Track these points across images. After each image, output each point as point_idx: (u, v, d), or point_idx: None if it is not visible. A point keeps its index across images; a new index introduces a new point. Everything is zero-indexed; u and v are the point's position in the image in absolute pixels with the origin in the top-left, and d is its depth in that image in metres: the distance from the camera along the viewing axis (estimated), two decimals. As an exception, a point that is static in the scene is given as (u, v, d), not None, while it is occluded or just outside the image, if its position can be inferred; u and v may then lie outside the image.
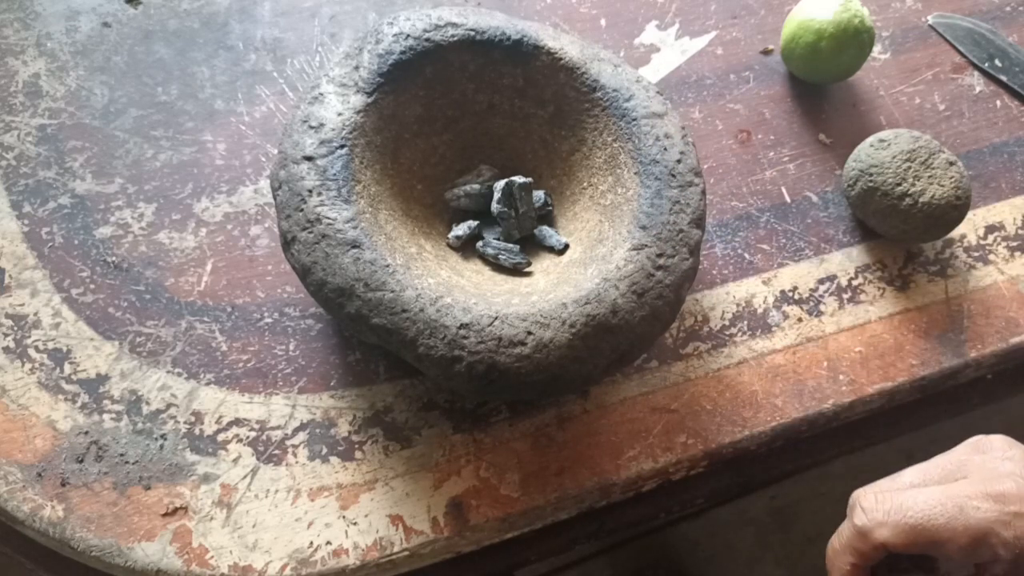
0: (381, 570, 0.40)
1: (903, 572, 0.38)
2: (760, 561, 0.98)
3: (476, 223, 0.45)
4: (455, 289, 0.40)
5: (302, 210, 0.38)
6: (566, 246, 0.45)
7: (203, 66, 0.53)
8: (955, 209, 0.47)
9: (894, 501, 0.34)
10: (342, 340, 0.45)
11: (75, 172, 0.48)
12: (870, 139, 0.50)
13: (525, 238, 0.46)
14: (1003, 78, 0.58)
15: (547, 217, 0.47)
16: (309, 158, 0.40)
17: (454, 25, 0.44)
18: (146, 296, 0.45)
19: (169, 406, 0.42)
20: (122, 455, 0.41)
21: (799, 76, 0.56)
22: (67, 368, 0.43)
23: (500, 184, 0.44)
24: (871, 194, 0.48)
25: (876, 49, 0.59)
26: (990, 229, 0.53)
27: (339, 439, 0.43)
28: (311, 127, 0.40)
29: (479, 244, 0.45)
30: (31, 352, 0.43)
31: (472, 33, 0.44)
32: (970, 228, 0.53)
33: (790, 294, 0.49)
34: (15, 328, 0.44)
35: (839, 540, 0.36)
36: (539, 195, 0.46)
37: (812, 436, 0.47)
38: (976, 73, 0.59)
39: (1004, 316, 0.50)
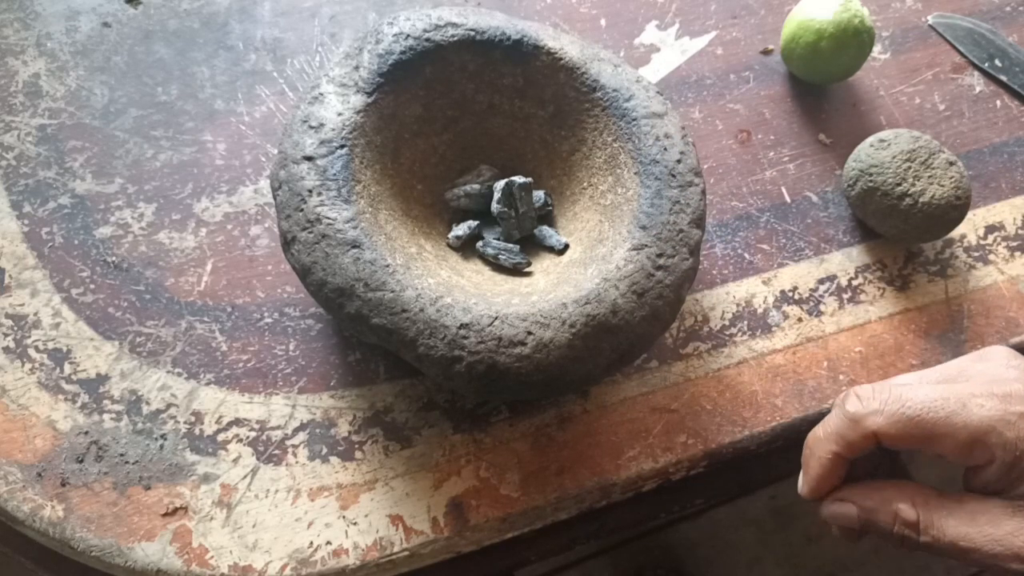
0: (381, 570, 0.40)
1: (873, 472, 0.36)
2: (760, 561, 0.98)
3: (476, 223, 0.45)
4: (455, 289, 0.40)
5: (302, 210, 0.38)
6: (566, 246, 0.45)
7: (203, 66, 0.53)
8: (955, 209, 0.47)
9: (892, 392, 0.33)
10: (342, 340, 0.45)
11: (75, 172, 0.48)
12: (870, 139, 0.50)
13: (525, 238, 0.46)
14: (1003, 78, 0.58)
15: (547, 217, 0.47)
16: (309, 158, 0.40)
17: (454, 25, 0.44)
18: (146, 296, 0.45)
19: (169, 406, 0.42)
20: (122, 455, 0.41)
21: (799, 76, 0.56)
22: (67, 368, 0.43)
23: (500, 184, 0.44)
24: (871, 194, 0.48)
25: (876, 49, 0.59)
26: (990, 229, 0.53)
27: (339, 439, 0.43)
28: (311, 127, 0.40)
29: (479, 244, 0.45)
30: (31, 352, 0.43)
31: (472, 33, 0.44)
32: (970, 228, 0.53)
33: (790, 294, 0.49)
34: (15, 328, 0.44)
35: (823, 428, 0.35)
36: (539, 195, 0.46)
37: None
38: (976, 73, 0.59)
39: (1004, 316, 0.50)
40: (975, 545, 0.31)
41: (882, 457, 0.38)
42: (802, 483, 0.38)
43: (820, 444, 0.35)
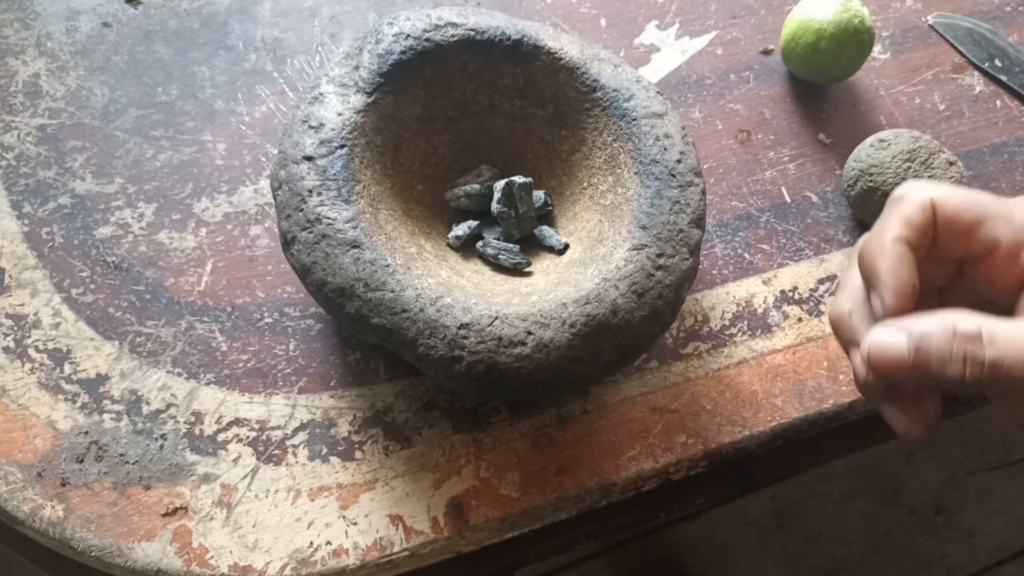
0: (381, 570, 0.40)
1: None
2: (760, 561, 0.98)
3: (476, 223, 0.45)
4: (455, 289, 0.40)
5: (302, 210, 0.38)
6: (566, 246, 0.45)
7: (203, 66, 0.53)
8: (955, 209, 0.47)
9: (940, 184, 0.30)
10: (342, 340, 0.45)
11: (75, 172, 0.48)
12: (870, 139, 0.50)
13: (525, 238, 0.46)
14: (1003, 78, 0.58)
15: (547, 217, 0.47)
16: (309, 158, 0.40)
17: (454, 25, 0.44)
18: (146, 296, 0.45)
19: (169, 406, 0.42)
20: (122, 455, 0.41)
21: (799, 76, 0.56)
22: (67, 368, 0.43)
23: (500, 184, 0.44)
24: (871, 194, 0.48)
25: (876, 49, 0.59)
26: (990, 229, 0.53)
27: (339, 439, 0.43)
28: (311, 127, 0.40)
29: (479, 244, 0.45)
30: (31, 352, 0.43)
31: (472, 33, 0.44)
32: (970, 228, 0.53)
33: (790, 294, 0.49)
34: (15, 328, 0.44)
35: (878, 227, 0.30)
36: (539, 195, 0.46)
37: (812, 436, 0.47)
38: (976, 73, 0.59)
39: (1004, 316, 0.50)
40: None
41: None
42: (876, 302, 0.30)
43: (882, 241, 0.29)
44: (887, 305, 0.29)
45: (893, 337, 0.28)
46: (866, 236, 0.32)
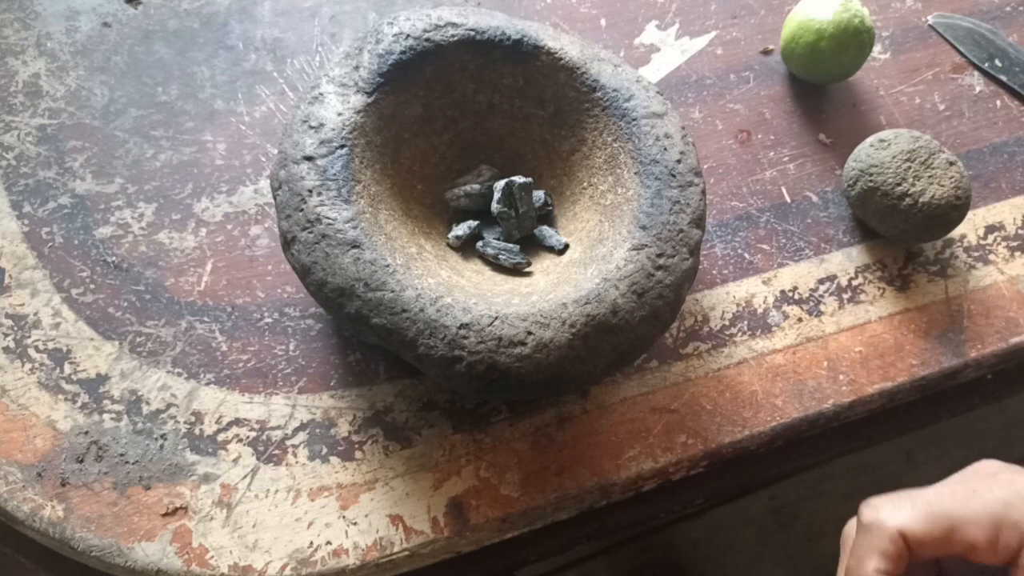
0: (381, 570, 0.40)
1: None
2: (760, 561, 0.98)
3: (476, 223, 0.45)
4: (455, 289, 0.40)
5: (302, 210, 0.38)
6: (566, 246, 0.45)
7: (203, 66, 0.53)
8: (955, 209, 0.47)
9: (900, 494, 0.32)
10: (342, 340, 0.45)
11: (75, 172, 0.48)
12: (870, 139, 0.50)
13: (525, 238, 0.46)
14: (1003, 78, 0.58)
15: (547, 217, 0.47)
16: (309, 158, 0.40)
17: (454, 25, 0.44)
18: (146, 296, 0.45)
19: (169, 406, 0.42)
20: (122, 455, 0.41)
21: (799, 76, 0.56)
22: (67, 368, 0.43)
23: (500, 184, 0.44)
24: (871, 194, 0.48)
25: (876, 49, 0.59)
26: (990, 229, 0.53)
27: (339, 439, 0.43)
28: (311, 127, 0.40)
29: (479, 244, 0.45)
30: (31, 352, 0.43)
31: (472, 33, 0.44)
32: (970, 228, 0.53)
33: (790, 294, 0.49)
34: (15, 328, 0.44)
35: (853, 558, 0.32)
36: (539, 195, 0.46)
37: (812, 436, 0.47)
38: (976, 73, 0.59)
39: (1004, 316, 0.50)
40: None
41: None
42: None
43: (860, 567, 0.32)
44: None
45: None
46: (848, 530, 0.34)
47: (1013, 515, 0.31)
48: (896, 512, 0.31)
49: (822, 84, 0.56)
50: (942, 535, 0.31)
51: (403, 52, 0.42)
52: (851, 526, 0.34)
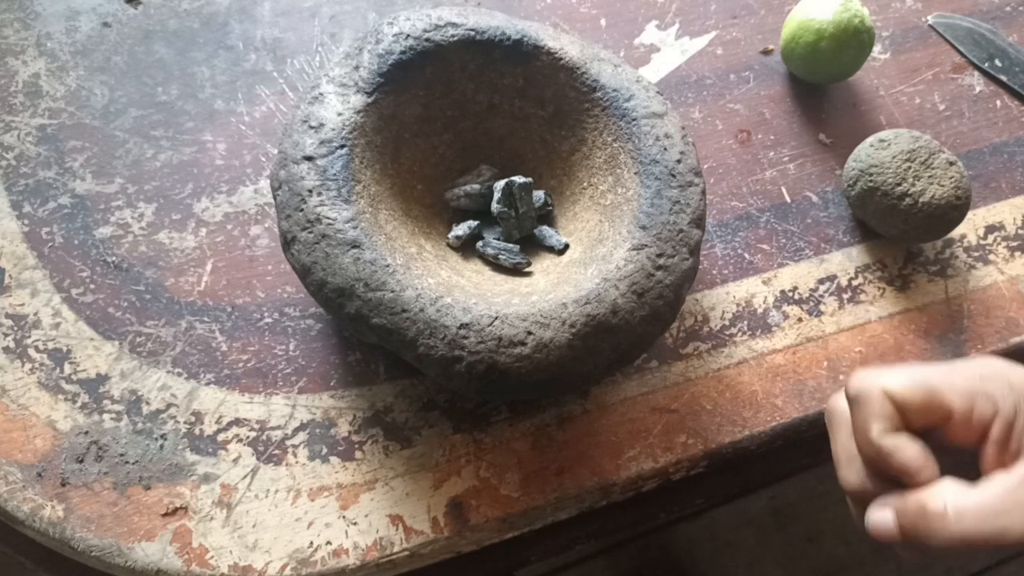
0: (381, 570, 0.40)
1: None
2: (760, 561, 0.98)
3: (476, 223, 0.45)
4: (455, 289, 0.40)
5: (302, 210, 0.38)
6: (566, 246, 0.45)
7: (203, 66, 0.53)
8: (955, 209, 0.47)
9: (885, 369, 0.34)
10: (342, 340, 0.45)
11: (75, 172, 0.48)
12: (870, 139, 0.50)
13: (525, 238, 0.46)
14: (1003, 78, 0.58)
15: (547, 217, 0.47)
16: (309, 158, 0.40)
17: (454, 25, 0.44)
18: (146, 296, 0.45)
19: (169, 406, 0.42)
20: (122, 455, 0.41)
21: (799, 76, 0.56)
22: (67, 368, 0.43)
23: (500, 184, 0.44)
24: (871, 194, 0.48)
25: (876, 49, 0.59)
26: (990, 229, 0.53)
27: (339, 439, 0.43)
28: (311, 127, 0.40)
29: (479, 244, 0.45)
30: (31, 352, 0.43)
31: (472, 33, 0.44)
32: (970, 228, 0.53)
33: (790, 294, 0.49)
34: (15, 328, 0.44)
35: (856, 432, 0.33)
36: (539, 195, 0.46)
37: (812, 436, 0.47)
38: (976, 73, 0.59)
39: (1004, 316, 0.50)
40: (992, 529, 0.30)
41: None
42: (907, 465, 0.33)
43: (874, 444, 0.33)
44: (921, 483, 0.33)
45: (884, 520, 0.33)
46: (834, 399, 0.35)
47: (988, 387, 0.32)
48: (881, 377, 0.33)
49: (822, 84, 0.56)
50: (923, 400, 0.33)
51: (403, 52, 0.42)
52: (835, 401, 0.36)
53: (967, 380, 0.33)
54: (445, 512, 0.41)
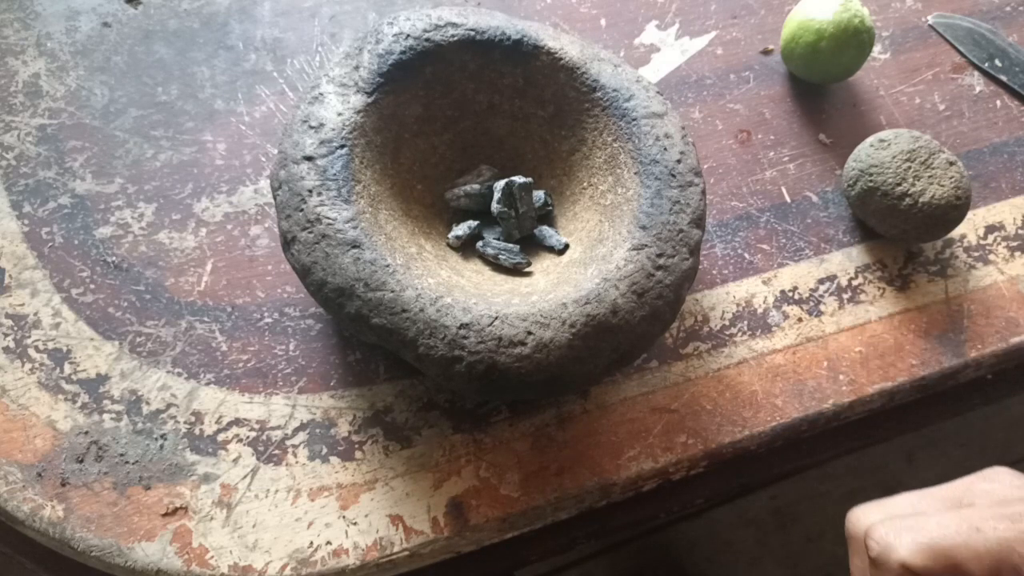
0: (381, 570, 0.40)
1: None
2: (760, 561, 0.98)
3: (476, 223, 0.45)
4: (455, 289, 0.40)
5: (302, 210, 0.38)
6: (566, 246, 0.45)
7: (203, 66, 0.53)
8: (955, 209, 0.47)
9: (905, 523, 0.33)
10: (342, 340, 0.45)
11: (75, 172, 0.48)
12: (870, 139, 0.50)
13: (525, 238, 0.46)
14: (1003, 78, 0.58)
15: (547, 217, 0.47)
16: (309, 158, 0.40)
17: (454, 25, 0.44)
18: (146, 296, 0.45)
19: (169, 406, 0.42)
20: (122, 455, 0.41)
21: (799, 76, 0.56)
22: (67, 368, 0.43)
23: (500, 184, 0.44)
24: (871, 194, 0.48)
25: (876, 49, 0.59)
26: (990, 229, 0.53)
27: (339, 439, 0.43)
28: (311, 127, 0.40)
29: (479, 244, 0.45)
30: (31, 352, 0.43)
31: (472, 33, 0.44)
32: (970, 228, 0.53)
33: (790, 294, 0.49)
34: (15, 328, 0.44)
35: (860, 560, 0.34)
36: (539, 195, 0.46)
37: (812, 436, 0.47)
38: (976, 73, 0.59)
39: (1004, 316, 0.50)
40: None
41: None
42: None
43: None
44: None
45: None
46: (855, 515, 0.35)
47: (1015, 558, 0.31)
48: (899, 549, 0.32)
49: (822, 84, 0.56)
50: (943, 570, 0.32)
51: (403, 52, 0.42)
52: (856, 519, 0.35)
53: (992, 549, 0.31)
54: (445, 512, 0.41)
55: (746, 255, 0.50)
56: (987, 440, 1.04)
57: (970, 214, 0.53)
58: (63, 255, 0.46)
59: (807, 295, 0.49)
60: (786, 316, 0.48)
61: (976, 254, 0.52)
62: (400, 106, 0.43)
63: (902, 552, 0.32)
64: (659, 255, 0.40)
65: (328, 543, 0.40)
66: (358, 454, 0.42)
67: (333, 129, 0.40)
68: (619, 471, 0.43)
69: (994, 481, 0.35)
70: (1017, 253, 0.52)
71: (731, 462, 0.46)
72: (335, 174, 0.39)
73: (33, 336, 0.44)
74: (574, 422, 0.44)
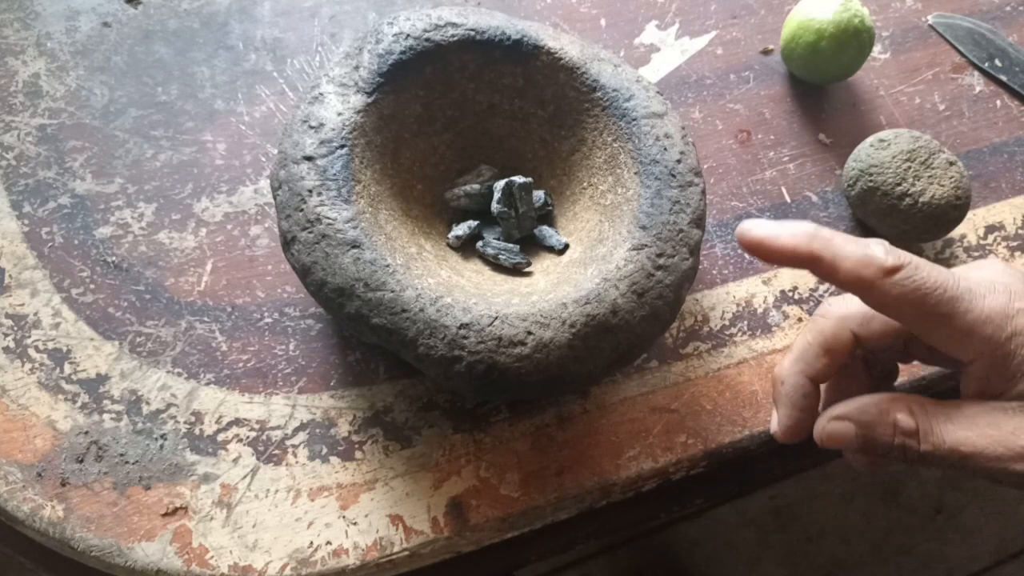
0: (381, 570, 0.40)
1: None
2: (760, 561, 0.98)
3: (476, 223, 0.45)
4: (455, 289, 0.40)
5: (302, 210, 0.38)
6: (566, 246, 0.45)
7: (203, 66, 0.53)
8: (955, 209, 0.47)
9: (904, 255, 0.32)
10: (342, 340, 0.45)
11: (75, 172, 0.48)
12: (870, 139, 0.50)
13: (525, 238, 0.46)
14: (1003, 78, 0.58)
15: (547, 217, 0.47)
16: (309, 158, 0.40)
17: (454, 25, 0.44)
18: (146, 296, 0.45)
19: (169, 406, 0.42)
20: (122, 455, 0.41)
21: (799, 76, 0.56)
22: (67, 368, 0.43)
23: (500, 184, 0.44)
24: (871, 194, 0.48)
25: (876, 49, 0.59)
26: (990, 229, 0.53)
27: (339, 439, 0.43)
28: (311, 127, 0.40)
29: (479, 244, 0.45)
30: (31, 352, 0.43)
31: (472, 33, 0.44)
32: (970, 228, 0.53)
33: (790, 294, 0.49)
34: (15, 328, 0.44)
35: (800, 339, 0.35)
36: (539, 195, 0.46)
37: (812, 436, 0.47)
38: (976, 73, 0.59)
39: (1004, 316, 0.50)
40: (976, 448, 0.30)
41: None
42: (774, 423, 0.37)
43: (785, 369, 0.35)
44: (778, 436, 0.37)
45: (843, 427, 0.34)
46: (823, 309, 0.36)
47: (987, 330, 0.30)
48: (843, 309, 0.35)
49: (822, 84, 0.56)
50: (914, 316, 0.31)
51: (403, 52, 0.42)
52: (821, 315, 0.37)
53: (973, 320, 0.30)
54: (445, 512, 0.41)
55: (746, 255, 0.50)
56: (987, 440, 1.04)
57: (970, 214, 0.53)
58: (63, 255, 0.46)
59: (807, 295, 0.49)
60: (786, 316, 0.48)
61: (976, 254, 0.52)
62: (400, 106, 0.43)
63: (847, 316, 0.34)
64: (659, 255, 0.40)
65: (328, 543, 0.40)
66: (358, 454, 0.42)
67: (333, 129, 0.40)
68: (619, 471, 0.43)
69: (987, 268, 0.34)
70: (1017, 253, 0.52)
71: (731, 462, 0.46)
72: (335, 174, 0.39)
73: (33, 336, 0.44)
74: (574, 422, 0.44)
